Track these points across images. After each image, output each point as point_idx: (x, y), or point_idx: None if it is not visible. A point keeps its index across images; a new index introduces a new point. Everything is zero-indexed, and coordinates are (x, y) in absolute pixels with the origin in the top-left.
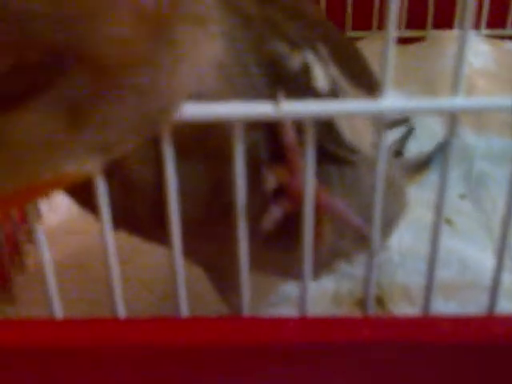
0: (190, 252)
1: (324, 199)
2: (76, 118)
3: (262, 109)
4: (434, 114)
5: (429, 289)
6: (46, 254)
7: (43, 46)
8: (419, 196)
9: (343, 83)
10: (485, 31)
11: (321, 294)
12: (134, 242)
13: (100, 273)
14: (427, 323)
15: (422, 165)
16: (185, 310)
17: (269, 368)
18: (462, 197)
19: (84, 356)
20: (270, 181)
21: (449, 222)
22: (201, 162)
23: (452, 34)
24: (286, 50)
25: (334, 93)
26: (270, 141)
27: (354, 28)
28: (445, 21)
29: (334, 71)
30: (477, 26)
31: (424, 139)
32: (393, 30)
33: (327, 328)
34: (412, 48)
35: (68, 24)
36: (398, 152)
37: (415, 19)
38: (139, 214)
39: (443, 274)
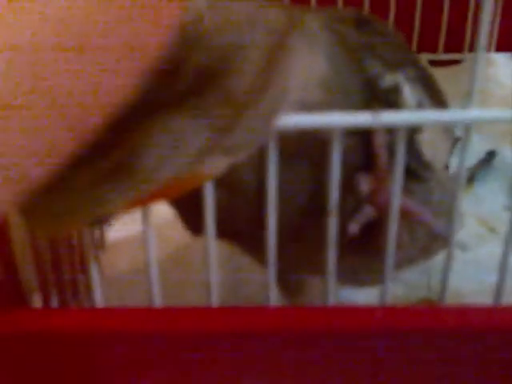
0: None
1: (405, 204)
2: (219, 127)
3: (361, 118)
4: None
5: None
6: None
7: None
8: (465, 208)
9: (426, 103)
10: None
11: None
12: None
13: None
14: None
15: (467, 180)
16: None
17: (355, 354)
18: (506, 208)
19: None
20: (362, 186)
21: (493, 230)
22: (303, 163)
23: (488, 57)
24: (380, 71)
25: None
26: (363, 149)
27: None
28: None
29: (421, 92)
30: (511, 49)
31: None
32: (484, 50)
33: (412, 316)
34: (449, 70)
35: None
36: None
37: (453, 43)
38: (241, 217)
39: (491, 278)
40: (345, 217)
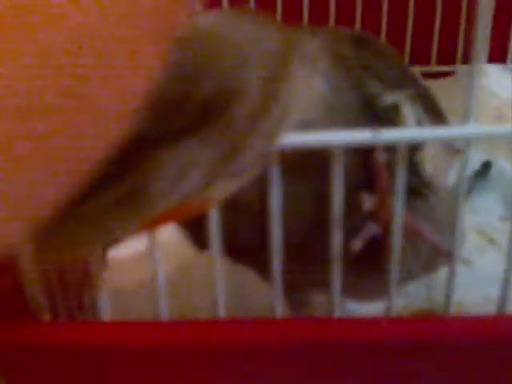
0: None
1: (408, 221)
2: (226, 152)
3: (361, 136)
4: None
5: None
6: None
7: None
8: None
9: (425, 121)
10: None
11: (376, 310)
12: None
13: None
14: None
15: None
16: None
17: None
18: (503, 219)
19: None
20: (366, 205)
21: (492, 241)
22: (306, 181)
23: (480, 69)
24: (379, 90)
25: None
26: (363, 168)
27: None
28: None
29: (420, 110)
30: (504, 60)
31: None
32: (478, 66)
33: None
34: (442, 82)
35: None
36: None
37: (445, 55)
38: (245, 235)
39: (492, 289)
40: (348, 235)
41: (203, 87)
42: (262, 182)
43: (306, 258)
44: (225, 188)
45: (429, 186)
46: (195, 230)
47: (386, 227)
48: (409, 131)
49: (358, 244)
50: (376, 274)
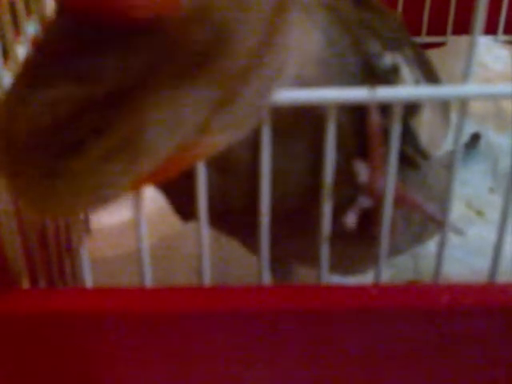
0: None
1: (401, 191)
2: (218, 102)
3: (356, 94)
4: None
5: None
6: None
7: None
8: None
9: (423, 83)
10: (503, 37)
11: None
12: None
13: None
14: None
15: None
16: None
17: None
18: (491, 190)
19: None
20: (362, 175)
21: (480, 213)
22: (299, 141)
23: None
24: (378, 50)
25: None
26: (359, 136)
27: None
28: (464, 27)
29: (418, 73)
30: (495, 32)
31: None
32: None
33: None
34: (433, 53)
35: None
36: None
37: (435, 26)
38: (233, 199)
39: (479, 261)
40: (340, 205)
41: (198, 33)
42: (252, 141)
43: (295, 227)
44: (215, 142)
45: (423, 155)
46: (180, 197)
47: (379, 199)
48: (406, 89)
49: (351, 218)
50: (366, 246)
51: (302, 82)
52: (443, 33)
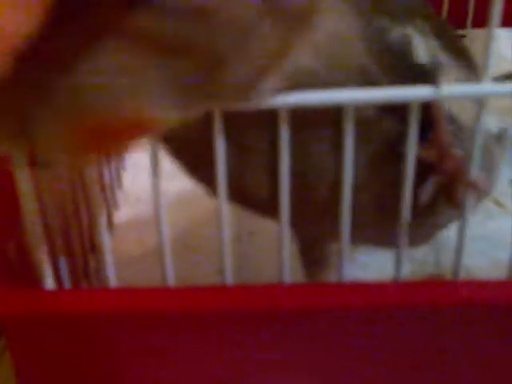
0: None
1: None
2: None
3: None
4: None
5: None
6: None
7: None
8: None
9: (444, 57)
10: None
11: (383, 276)
12: None
13: None
14: None
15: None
16: (287, 278)
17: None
18: None
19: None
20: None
21: (498, 203)
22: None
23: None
24: (388, 24)
25: (434, 64)
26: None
27: None
28: (484, 20)
29: (435, 44)
30: None
31: None
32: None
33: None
34: None
35: None
36: None
37: (456, 19)
38: (251, 182)
39: (500, 254)
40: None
41: None
42: (271, 126)
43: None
44: (167, 110)
45: (464, 132)
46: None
47: (451, 177)
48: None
49: (425, 195)
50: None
51: (313, 52)
52: (463, 26)
